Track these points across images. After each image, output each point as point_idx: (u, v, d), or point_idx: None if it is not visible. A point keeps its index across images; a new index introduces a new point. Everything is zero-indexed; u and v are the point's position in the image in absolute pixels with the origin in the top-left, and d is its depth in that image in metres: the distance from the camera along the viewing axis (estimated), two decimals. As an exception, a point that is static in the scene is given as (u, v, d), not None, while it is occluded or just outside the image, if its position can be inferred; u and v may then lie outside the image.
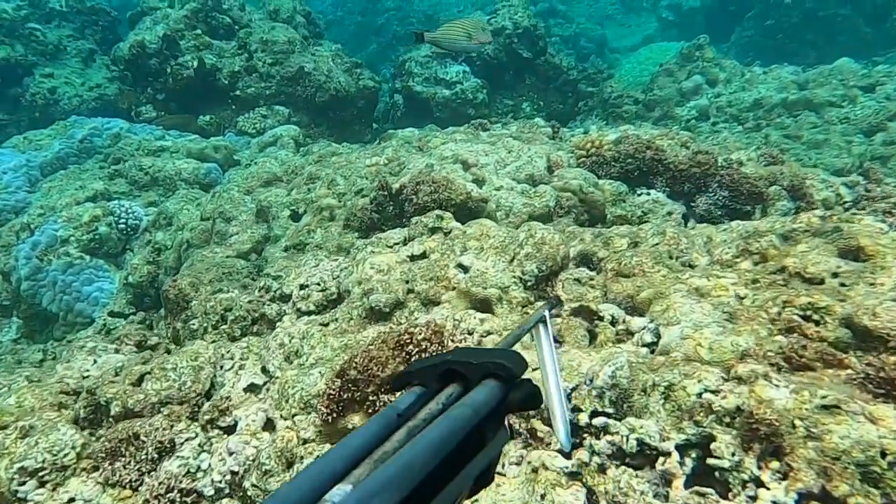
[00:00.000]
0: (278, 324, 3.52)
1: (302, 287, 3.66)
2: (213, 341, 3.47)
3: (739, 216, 4.27)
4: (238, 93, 8.76)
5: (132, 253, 6.05)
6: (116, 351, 3.71)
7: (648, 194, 4.69)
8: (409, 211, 4.47)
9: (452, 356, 0.57)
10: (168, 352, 3.63)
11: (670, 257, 3.18)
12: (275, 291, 3.81)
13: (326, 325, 3.34)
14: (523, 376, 0.56)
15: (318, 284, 3.64)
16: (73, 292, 5.52)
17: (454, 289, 3.19)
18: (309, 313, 3.55)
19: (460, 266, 3.28)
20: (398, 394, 0.57)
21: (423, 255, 3.55)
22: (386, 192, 4.73)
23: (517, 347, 0.66)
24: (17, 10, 10.14)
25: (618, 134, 5.13)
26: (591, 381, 2.16)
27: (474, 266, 3.23)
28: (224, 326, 3.67)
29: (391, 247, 3.78)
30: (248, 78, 8.86)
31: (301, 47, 9.10)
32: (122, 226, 6.01)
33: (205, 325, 3.71)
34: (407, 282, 3.34)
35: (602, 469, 1.95)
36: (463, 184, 4.38)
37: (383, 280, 3.35)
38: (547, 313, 0.79)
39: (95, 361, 3.52)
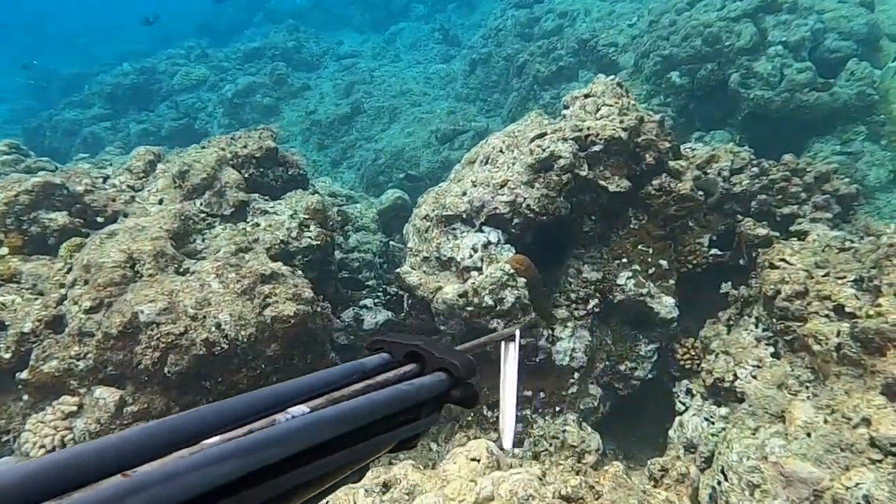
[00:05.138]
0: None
1: None
2: None
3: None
4: (27, 375, 4.53)
5: None
6: None
7: None
8: None
9: (422, 342, 0.70)
10: None
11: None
12: None
13: None
14: (469, 380, 0.68)
15: None
16: None
17: None
18: None
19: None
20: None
21: None
22: None
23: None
24: None
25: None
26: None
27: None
28: None
29: None
30: (51, 342, 4.62)
31: (154, 264, 4.82)
32: None
33: None
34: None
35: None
36: None
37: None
38: (517, 332, 0.88)
39: None
